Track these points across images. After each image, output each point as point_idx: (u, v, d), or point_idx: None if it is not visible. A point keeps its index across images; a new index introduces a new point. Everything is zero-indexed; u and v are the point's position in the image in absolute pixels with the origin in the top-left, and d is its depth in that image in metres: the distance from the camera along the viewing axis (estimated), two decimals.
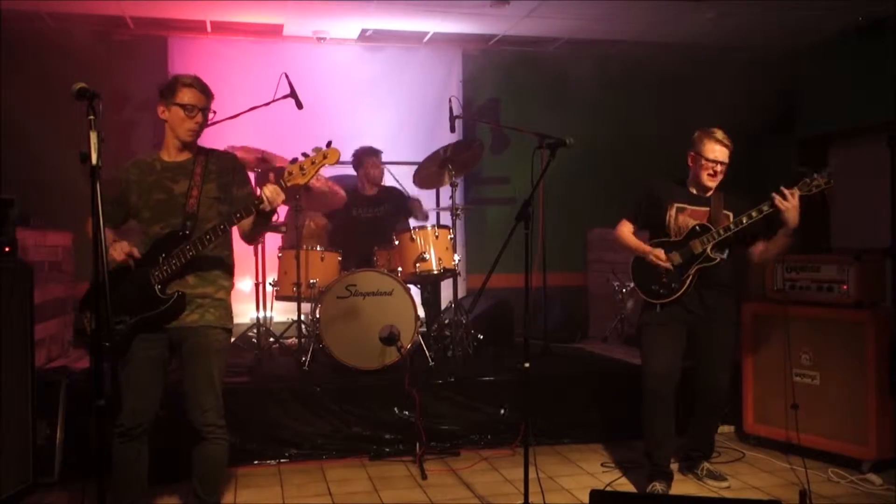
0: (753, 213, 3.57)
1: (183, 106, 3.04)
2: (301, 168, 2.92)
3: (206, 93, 3.09)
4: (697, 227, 3.73)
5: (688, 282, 3.72)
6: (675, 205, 3.82)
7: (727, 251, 3.77)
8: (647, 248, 3.81)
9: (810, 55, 6.86)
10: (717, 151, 3.72)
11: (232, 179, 3.16)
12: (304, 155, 2.96)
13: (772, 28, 6.36)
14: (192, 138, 3.11)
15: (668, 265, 3.72)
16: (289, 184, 2.92)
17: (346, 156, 6.03)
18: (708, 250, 3.68)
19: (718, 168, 3.74)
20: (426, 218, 5.86)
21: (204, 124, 3.12)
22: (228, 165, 3.20)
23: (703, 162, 3.73)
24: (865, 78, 6.28)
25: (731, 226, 3.64)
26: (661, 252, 3.75)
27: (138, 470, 3.15)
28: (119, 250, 2.94)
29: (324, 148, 2.96)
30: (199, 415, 3.08)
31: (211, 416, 3.09)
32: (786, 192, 3.48)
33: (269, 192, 2.90)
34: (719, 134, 3.73)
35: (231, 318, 3.22)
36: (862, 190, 6.12)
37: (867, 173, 6.39)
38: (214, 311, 3.12)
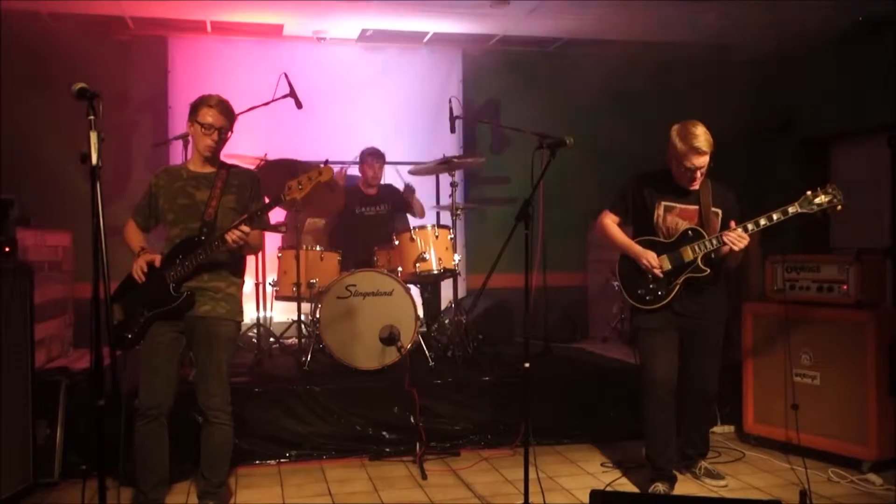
0: (750, 226, 3.53)
1: (202, 125, 3.32)
2: (299, 184, 3.26)
3: (226, 114, 3.35)
4: (690, 232, 3.66)
5: (675, 290, 3.68)
6: (663, 203, 3.74)
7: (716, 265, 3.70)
8: (638, 249, 3.73)
9: (810, 55, 6.85)
10: (696, 160, 3.56)
11: (249, 195, 3.44)
12: (303, 171, 3.33)
13: (771, 28, 6.36)
14: (209, 154, 3.38)
15: (659, 273, 3.67)
16: (287, 198, 3.29)
17: (347, 155, 6.07)
18: (699, 261, 3.63)
19: (699, 174, 3.64)
20: (423, 213, 5.87)
21: (221, 142, 3.38)
22: (247, 181, 3.48)
23: (684, 170, 3.62)
24: (865, 78, 6.28)
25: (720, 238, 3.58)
26: (653, 257, 3.68)
27: (160, 454, 3.34)
28: (137, 269, 3.30)
29: (321, 166, 3.31)
30: (206, 399, 3.32)
31: (217, 401, 3.32)
32: (736, 235, 3.50)
33: (232, 236, 3.19)
34: (698, 140, 3.52)
35: (241, 312, 3.49)
36: (862, 190, 6.12)
37: (867, 173, 6.40)
38: (226, 305, 3.38)
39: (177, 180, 3.39)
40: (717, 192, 3.75)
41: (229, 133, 3.38)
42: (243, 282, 3.54)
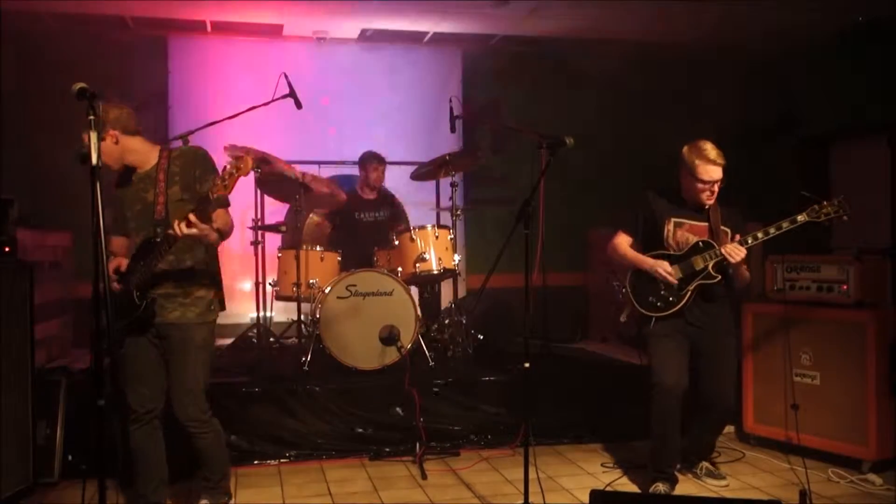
0: (749, 239, 3.58)
1: None
2: (223, 180, 2.88)
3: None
4: (700, 244, 3.69)
5: (686, 296, 3.69)
6: (673, 219, 3.77)
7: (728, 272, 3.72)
8: (650, 261, 3.75)
9: (810, 55, 6.85)
10: (711, 172, 3.60)
11: (194, 176, 3.15)
12: (225, 168, 2.90)
13: (771, 28, 6.36)
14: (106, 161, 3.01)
15: (673, 280, 3.68)
16: (215, 195, 2.89)
17: (344, 155, 6.07)
18: (710, 268, 3.65)
19: (715, 188, 3.66)
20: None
21: (112, 145, 3.06)
22: (190, 161, 3.19)
23: (699, 185, 3.64)
24: (865, 78, 6.28)
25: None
26: (666, 264, 3.71)
27: (157, 455, 3.30)
28: (111, 279, 3.08)
29: (240, 157, 2.90)
30: (180, 411, 3.20)
31: (191, 412, 3.20)
32: (732, 247, 3.55)
33: (179, 225, 2.88)
34: (712, 153, 3.59)
35: (212, 311, 3.27)
36: (862, 190, 6.12)
37: (867, 173, 6.40)
38: (195, 308, 3.21)
39: (130, 186, 3.22)
40: (725, 213, 3.77)
41: (110, 135, 3.03)
42: (215, 281, 3.30)
